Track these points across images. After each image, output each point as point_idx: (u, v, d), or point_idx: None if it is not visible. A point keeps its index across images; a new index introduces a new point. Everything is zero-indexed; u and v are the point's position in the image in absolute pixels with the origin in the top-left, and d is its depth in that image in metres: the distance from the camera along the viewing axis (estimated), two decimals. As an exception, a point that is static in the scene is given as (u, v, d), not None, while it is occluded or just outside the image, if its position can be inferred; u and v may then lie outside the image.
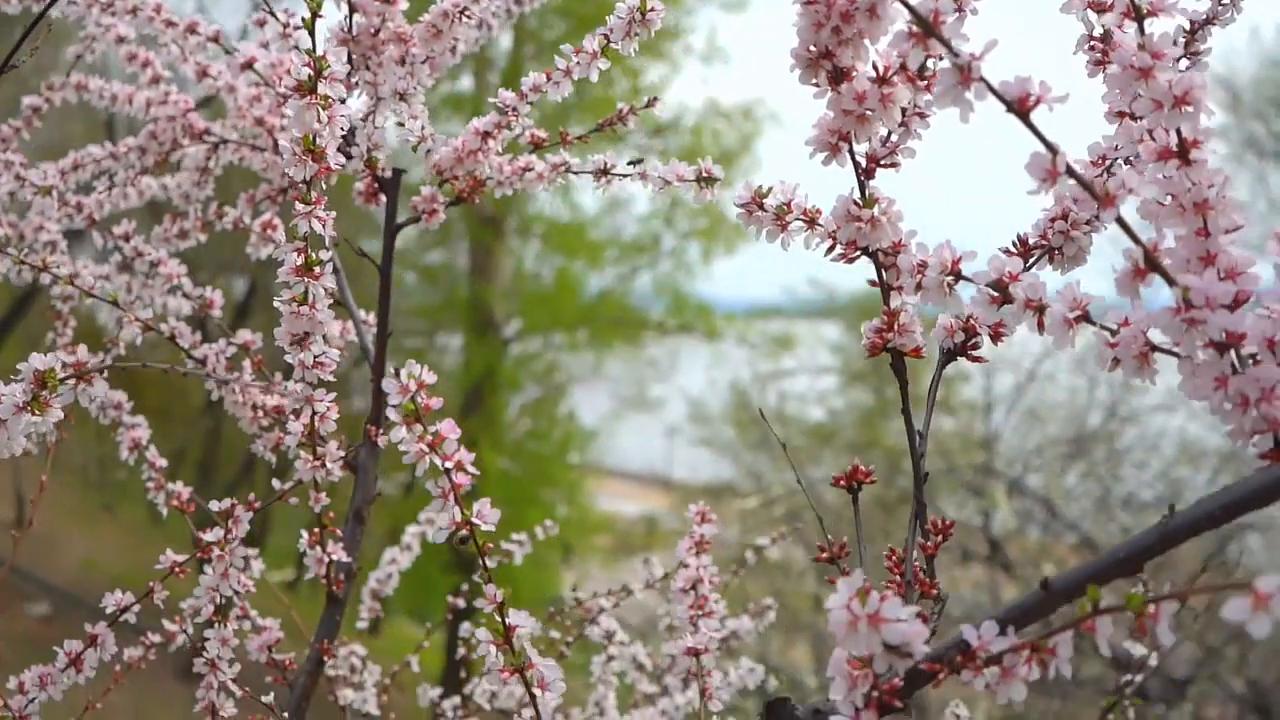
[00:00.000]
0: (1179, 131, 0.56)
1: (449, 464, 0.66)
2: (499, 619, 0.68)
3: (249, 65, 1.11)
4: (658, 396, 12.85)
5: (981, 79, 0.53)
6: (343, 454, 0.95)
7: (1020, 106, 0.54)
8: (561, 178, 1.02)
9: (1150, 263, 0.54)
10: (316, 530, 1.01)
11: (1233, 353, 0.55)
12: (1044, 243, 0.72)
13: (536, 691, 0.68)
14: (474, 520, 0.67)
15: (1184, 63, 0.76)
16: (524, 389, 11.97)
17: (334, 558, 1.02)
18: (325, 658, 1.04)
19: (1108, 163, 0.72)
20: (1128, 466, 6.39)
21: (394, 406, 0.64)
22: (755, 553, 1.63)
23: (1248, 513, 0.52)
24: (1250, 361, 0.55)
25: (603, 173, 1.00)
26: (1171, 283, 0.54)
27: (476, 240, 11.40)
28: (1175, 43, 0.75)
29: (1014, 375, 7.47)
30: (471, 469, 0.66)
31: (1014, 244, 0.73)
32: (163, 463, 1.15)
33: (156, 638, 1.18)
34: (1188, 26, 0.75)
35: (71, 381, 0.72)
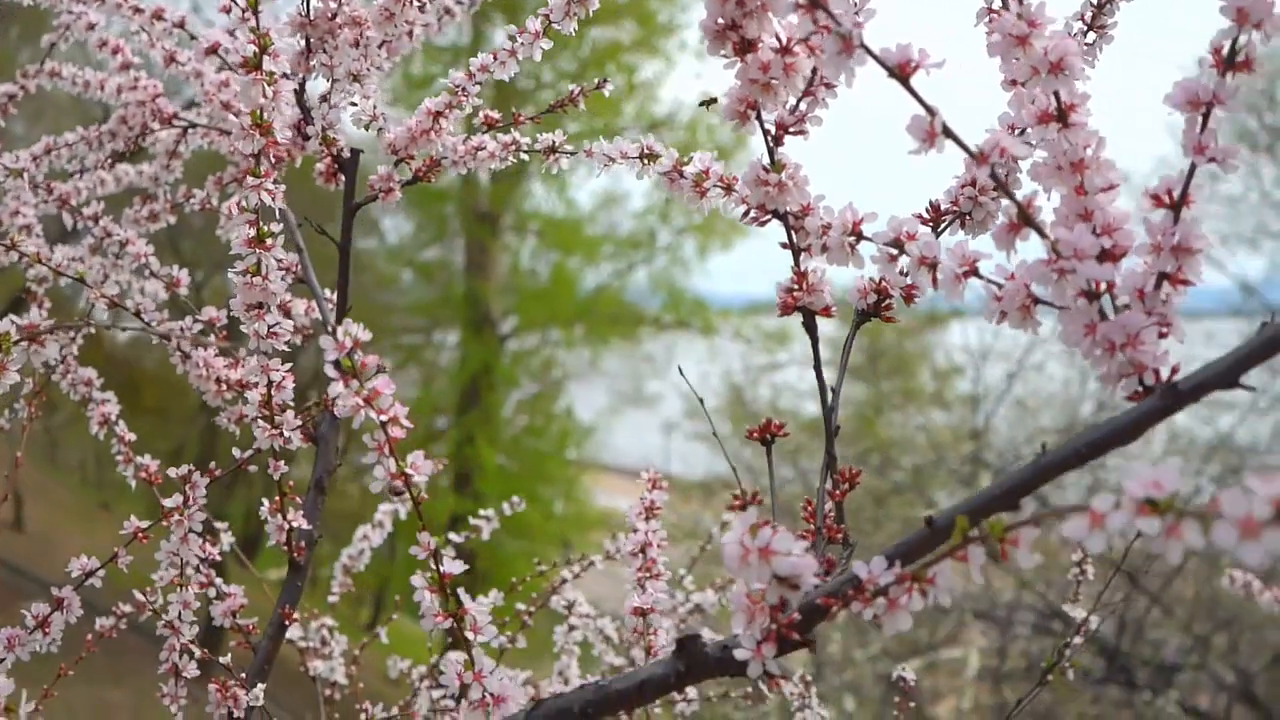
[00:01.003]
0: (1057, 95, 0.60)
1: (384, 418, 0.69)
2: (434, 566, 0.72)
3: (214, 50, 1.14)
4: (655, 392, 12.88)
5: (863, 46, 0.56)
6: (300, 423, 0.99)
7: (901, 72, 0.57)
8: (513, 156, 1.06)
9: (1024, 217, 0.58)
10: (277, 498, 1.04)
11: (1105, 301, 0.59)
12: (954, 208, 0.76)
13: (469, 635, 0.72)
14: (408, 472, 0.70)
15: (1091, 35, 0.79)
16: (521, 385, 11.99)
17: (294, 525, 1.05)
18: (286, 622, 1.07)
19: (1016, 131, 0.76)
20: (1115, 456, 6.42)
21: (331, 363, 0.68)
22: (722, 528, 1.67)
23: (1112, 449, 0.56)
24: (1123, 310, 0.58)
25: (551, 150, 1.04)
26: (1044, 235, 0.57)
27: (472, 237, 11.44)
28: (1081, 17, 0.79)
29: (1005, 365, 7.51)
30: (406, 423, 0.70)
31: (926, 210, 0.77)
32: (131, 437, 1.18)
33: (127, 608, 1.21)
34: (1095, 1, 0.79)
35: (24, 344, 0.75)
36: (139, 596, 1.21)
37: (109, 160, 1.27)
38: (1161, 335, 0.58)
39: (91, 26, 1.27)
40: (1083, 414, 7.27)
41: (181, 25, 1.19)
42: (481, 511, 1.48)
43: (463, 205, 11.66)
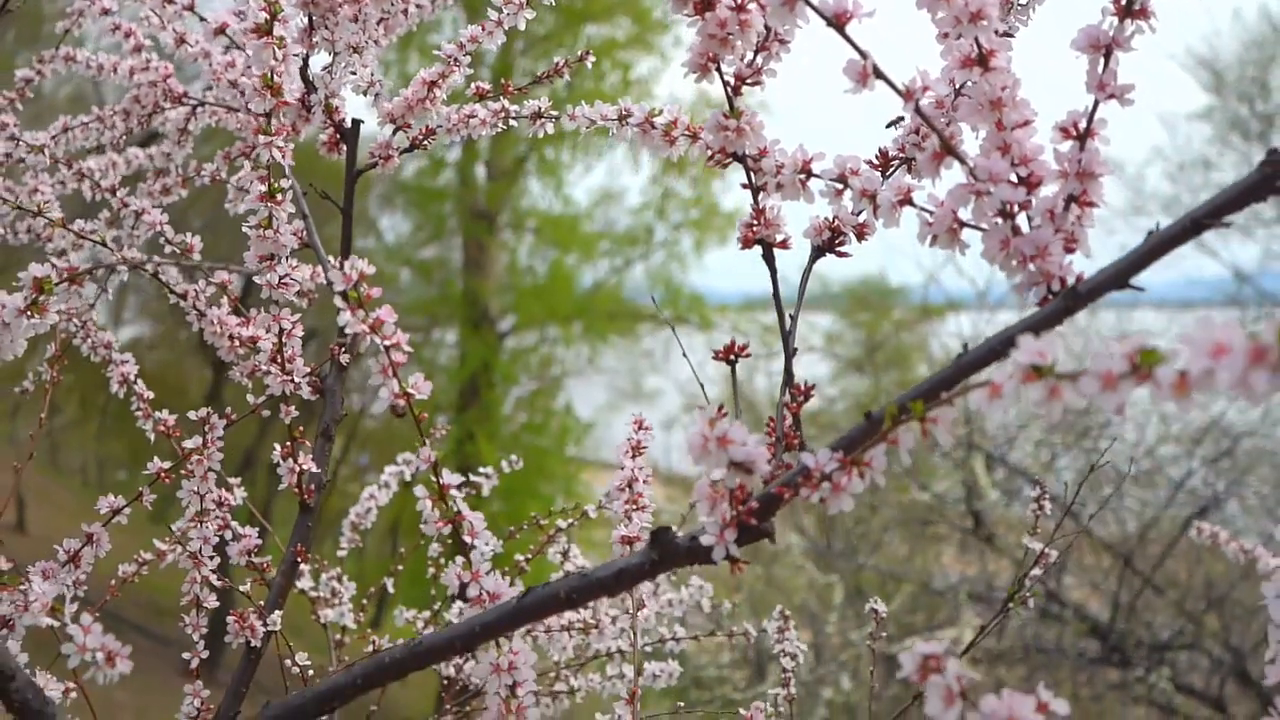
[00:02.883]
0: (977, 42, 0.68)
1: (388, 343, 0.77)
2: (435, 478, 0.80)
3: (222, 30, 1.22)
4: (654, 388, 12.95)
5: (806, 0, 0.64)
6: (309, 370, 1.07)
7: (838, 21, 0.65)
8: (502, 123, 1.14)
9: (946, 147, 0.66)
10: (288, 443, 1.13)
11: (1022, 221, 0.67)
12: (901, 154, 0.84)
13: (468, 539, 0.80)
14: (410, 390, 0.79)
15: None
16: (520, 382, 12.07)
17: (304, 468, 1.13)
18: (299, 559, 1.15)
19: (958, 85, 0.84)
20: (1107, 439, 6.50)
21: (339, 293, 0.76)
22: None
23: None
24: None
25: (537, 115, 1.12)
26: (964, 163, 0.66)
27: (470, 236, 11.51)
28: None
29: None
30: (407, 348, 0.78)
31: (876, 155, 0.85)
32: (150, 394, 1.26)
33: (148, 555, 1.29)
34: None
35: (65, 285, 0.83)
36: (160, 545, 1.29)
37: (123, 138, 1.35)
38: (1069, 250, 0.66)
39: (106, 11, 1.35)
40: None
41: (191, 8, 1.27)
42: (481, 469, 1.56)
43: (460, 204, 11.74)
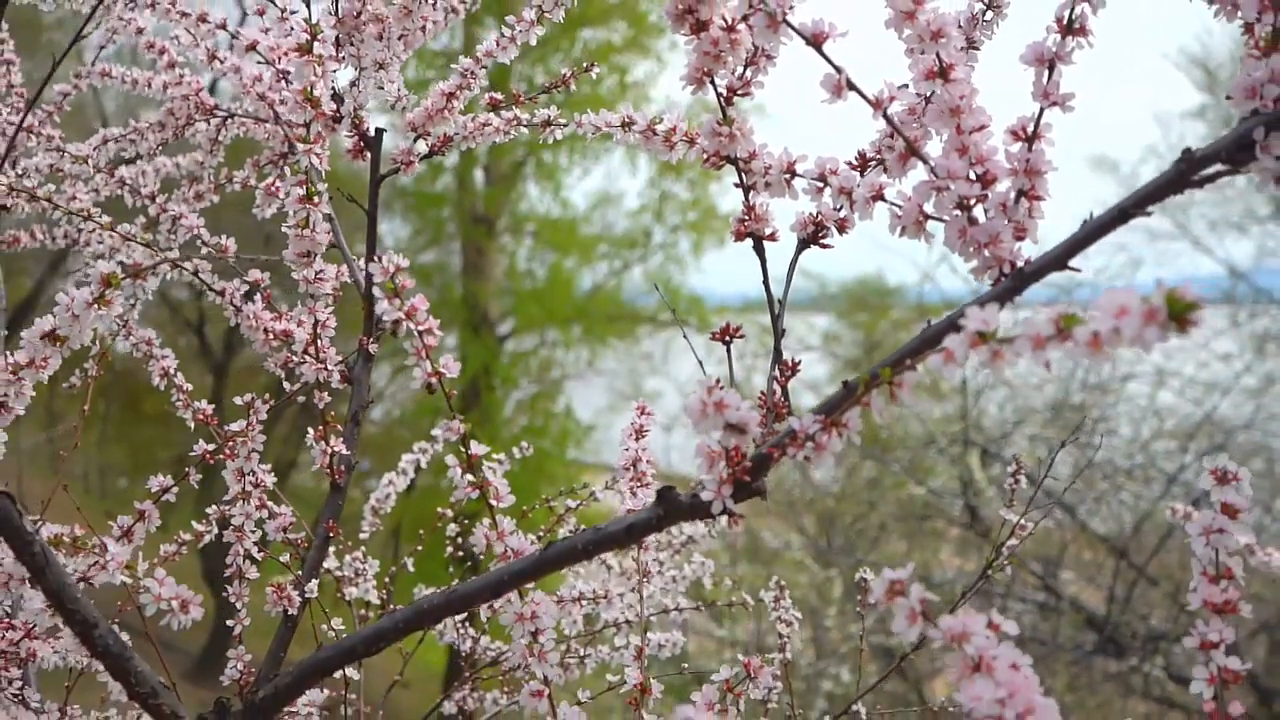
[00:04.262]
0: (939, 56, 0.78)
1: (422, 328, 0.87)
2: (464, 448, 0.90)
3: (252, 47, 1.32)
4: (653, 390, 13.03)
5: (785, 21, 0.74)
6: (340, 359, 1.17)
7: (816, 41, 0.75)
8: (515, 130, 1.24)
9: (910, 149, 0.76)
10: (321, 427, 1.22)
11: (976, 212, 0.77)
12: (877, 156, 0.94)
13: (493, 502, 0.90)
14: (441, 370, 0.88)
15: (989, 14, 0.97)
16: (520, 386, 12.15)
17: (336, 450, 1.23)
18: (330, 534, 1.25)
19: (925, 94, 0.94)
20: (1099, 435, 6.61)
21: (377, 284, 0.86)
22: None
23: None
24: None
25: (546, 124, 1.22)
26: (925, 162, 0.75)
27: (469, 240, 11.61)
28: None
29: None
30: (437, 332, 0.88)
31: (855, 157, 0.94)
32: (188, 386, 1.36)
33: (187, 536, 1.39)
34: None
35: (129, 280, 0.93)
36: (198, 527, 1.38)
37: (158, 148, 1.45)
38: (1018, 238, 0.76)
39: (140, 30, 1.45)
40: (1073, 397, 7.45)
41: (223, 26, 1.37)
42: (494, 455, 1.66)
43: (459, 209, 11.84)
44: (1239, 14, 0.71)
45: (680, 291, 12.03)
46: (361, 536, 1.68)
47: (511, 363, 12.23)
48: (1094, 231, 0.70)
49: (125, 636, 0.91)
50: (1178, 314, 0.50)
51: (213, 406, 1.33)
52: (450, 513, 1.75)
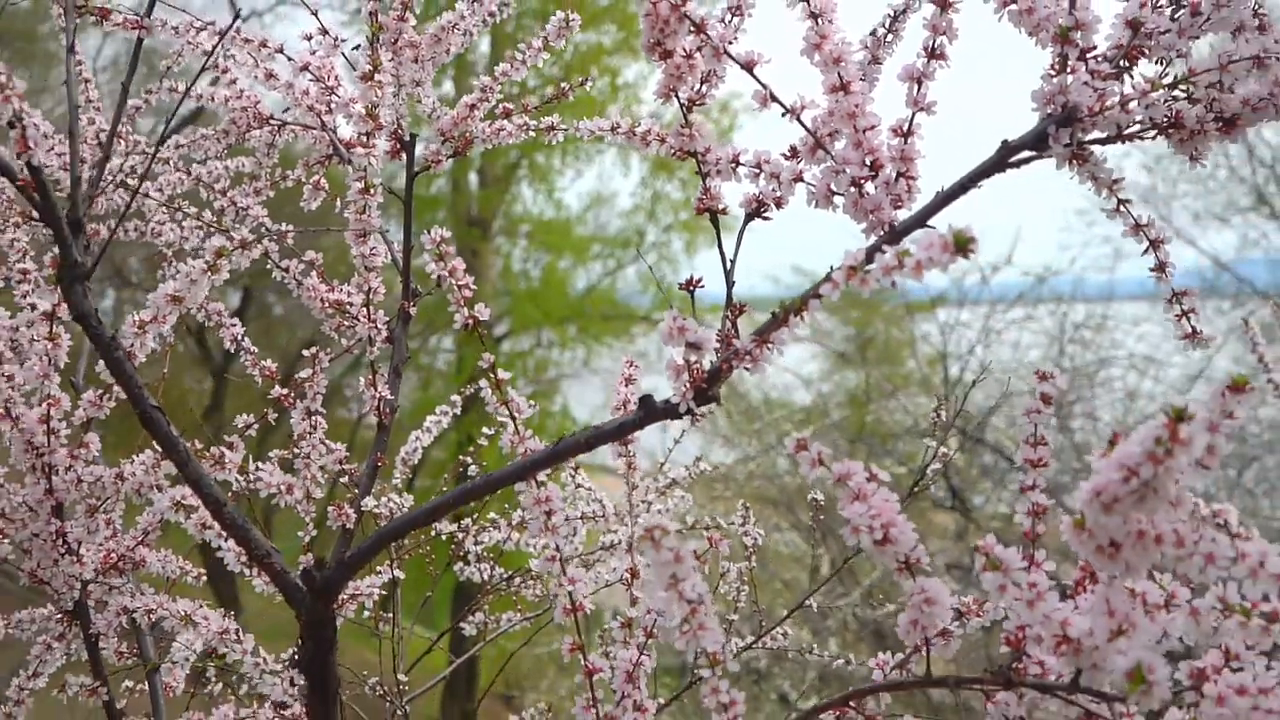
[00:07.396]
0: (839, 75, 1.07)
1: (460, 283, 1.16)
2: (493, 376, 1.19)
3: (305, 68, 1.61)
4: (649, 388, 13.24)
5: (726, 52, 1.03)
6: (388, 319, 1.45)
7: (748, 65, 1.04)
8: (525, 134, 1.53)
9: (817, 143, 1.05)
10: (370, 376, 1.51)
11: (868, 188, 1.06)
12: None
13: (515, 414, 1.19)
14: (476, 315, 1.17)
15: (889, 36, 1.26)
16: (517, 386, 12.40)
17: (382, 395, 1.52)
18: (379, 464, 1.54)
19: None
20: (1080, 418, 6.92)
21: (426, 250, 1.15)
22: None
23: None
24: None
25: (551, 128, 1.51)
26: (827, 152, 1.05)
27: (464, 242, 11.88)
28: (882, 25, 1.25)
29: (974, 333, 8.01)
30: (472, 285, 1.16)
31: (788, 149, 1.23)
32: (255, 350, 1.65)
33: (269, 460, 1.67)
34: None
35: (239, 250, 1.22)
36: (276, 453, 1.66)
37: (225, 151, 1.74)
38: (896, 207, 1.05)
39: (208, 54, 1.74)
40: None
41: (281, 50, 1.66)
42: (485, 430, 1.95)
43: (453, 212, 12.11)
44: (1047, 44, 1.00)
45: (673, 291, 12.26)
46: (394, 482, 1.97)
47: (508, 363, 12.49)
48: (941, 201, 0.99)
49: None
50: (961, 245, 0.80)
51: (275, 365, 1.61)
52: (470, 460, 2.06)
